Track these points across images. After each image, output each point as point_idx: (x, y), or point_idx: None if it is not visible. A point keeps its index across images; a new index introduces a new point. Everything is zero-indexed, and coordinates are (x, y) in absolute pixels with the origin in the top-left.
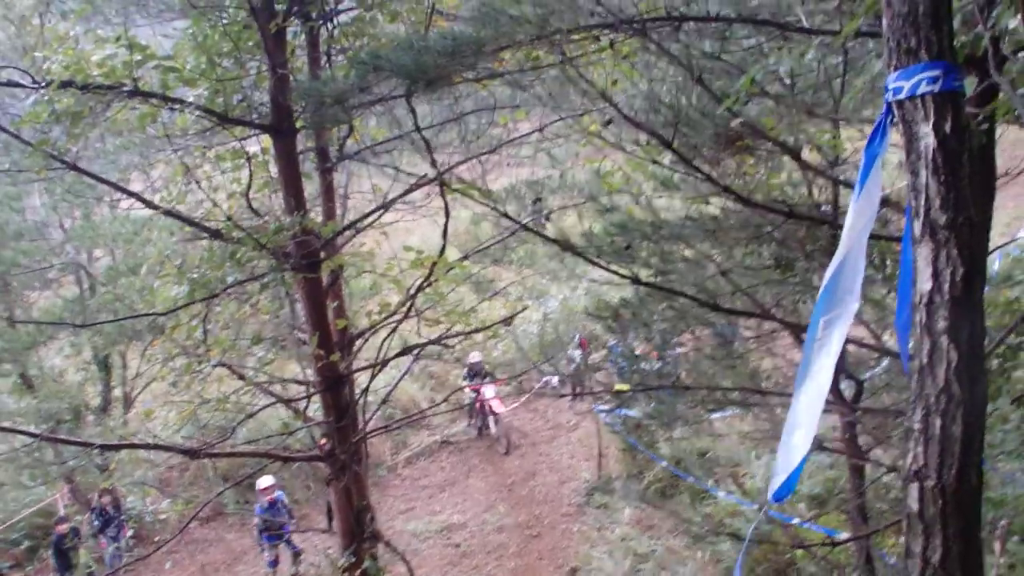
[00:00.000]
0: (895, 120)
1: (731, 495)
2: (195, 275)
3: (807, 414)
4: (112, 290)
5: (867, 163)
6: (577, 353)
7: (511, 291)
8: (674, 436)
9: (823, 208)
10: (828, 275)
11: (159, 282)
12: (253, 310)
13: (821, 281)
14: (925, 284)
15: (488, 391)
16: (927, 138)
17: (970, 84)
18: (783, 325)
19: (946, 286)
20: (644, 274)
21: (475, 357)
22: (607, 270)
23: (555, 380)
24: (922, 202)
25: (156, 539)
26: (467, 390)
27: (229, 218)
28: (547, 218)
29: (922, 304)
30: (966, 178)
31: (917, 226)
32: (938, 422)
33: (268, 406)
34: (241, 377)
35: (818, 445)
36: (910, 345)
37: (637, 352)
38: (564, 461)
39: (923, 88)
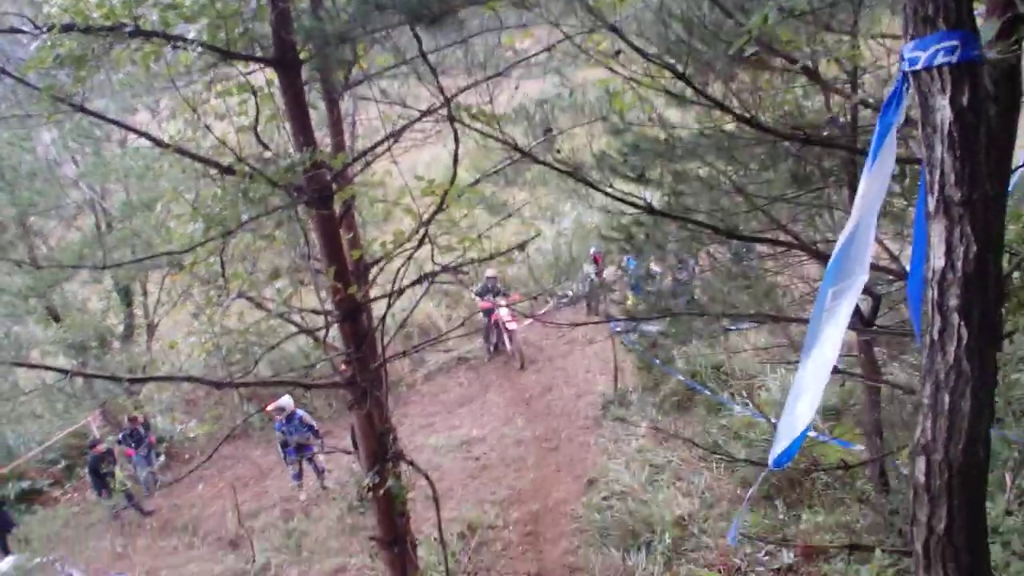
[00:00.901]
0: (910, 89)
1: (746, 407)
2: (209, 211)
3: (813, 382)
4: (128, 225)
5: (881, 132)
6: (592, 269)
7: (525, 212)
8: (689, 351)
9: (840, 120)
10: (838, 246)
11: (174, 221)
12: (269, 243)
13: (838, 198)
14: (938, 261)
15: (502, 309)
16: (943, 111)
17: (992, 27)
18: (799, 243)
19: (959, 264)
20: (657, 196)
21: (490, 273)
22: (618, 199)
23: (569, 295)
24: (936, 177)
25: (187, 457)
26: (481, 307)
27: (239, 158)
28: (558, 151)
29: (934, 281)
30: (982, 152)
31: (931, 202)
32: (947, 398)
33: (289, 337)
34: (262, 307)
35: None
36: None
37: (653, 268)
38: (580, 375)
39: (940, 59)
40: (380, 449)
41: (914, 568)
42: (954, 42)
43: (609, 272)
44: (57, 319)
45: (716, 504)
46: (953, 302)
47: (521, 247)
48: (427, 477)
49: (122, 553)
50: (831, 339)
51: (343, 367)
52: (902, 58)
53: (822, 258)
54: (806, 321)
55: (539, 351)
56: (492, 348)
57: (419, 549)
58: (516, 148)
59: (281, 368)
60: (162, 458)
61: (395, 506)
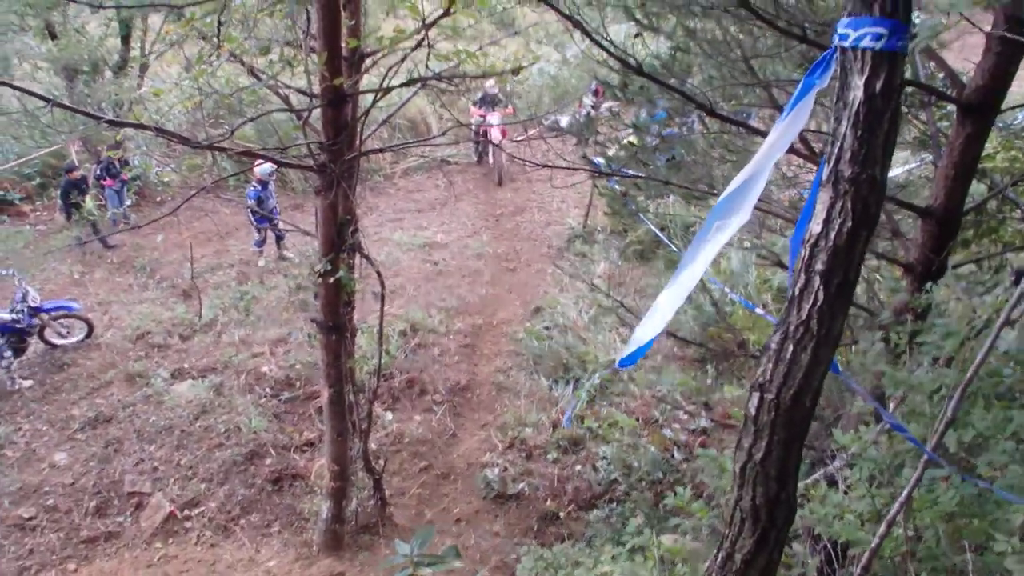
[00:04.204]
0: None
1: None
2: None
3: (671, 302)
4: None
5: (803, 90)
6: (590, 101)
7: (532, 32)
8: (662, 206)
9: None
10: (733, 185)
11: None
12: (269, 13)
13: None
14: (816, 227)
15: (493, 119)
16: (857, 91)
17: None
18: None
19: (832, 234)
20: (663, 47)
21: (490, 85)
22: (610, 53)
23: (563, 121)
24: (835, 150)
25: (158, 200)
26: (474, 115)
27: None
28: None
29: (809, 243)
30: (882, 137)
31: (825, 171)
32: (791, 348)
33: (273, 111)
34: (252, 72)
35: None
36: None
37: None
38: (555, 204)
39: (866, 43)
40: (338, 239)
41: (731, 486)
42: (883, 29)
43: (606, 107)
44: (54, 36)
45: (651, 356)
46: (819, 266)
47: (515, 71)
48: (379, 274)
49: (79, 280)
50: (700, 264)
51: (317, 152)
52: (834, 30)
53: (800, 154)
54: (773, 212)
55: (521, 171)
56: (479, 158)
57: (360, 338)
58: None
59: (260, 140)
60: (134, 197)
61: (341, 295)
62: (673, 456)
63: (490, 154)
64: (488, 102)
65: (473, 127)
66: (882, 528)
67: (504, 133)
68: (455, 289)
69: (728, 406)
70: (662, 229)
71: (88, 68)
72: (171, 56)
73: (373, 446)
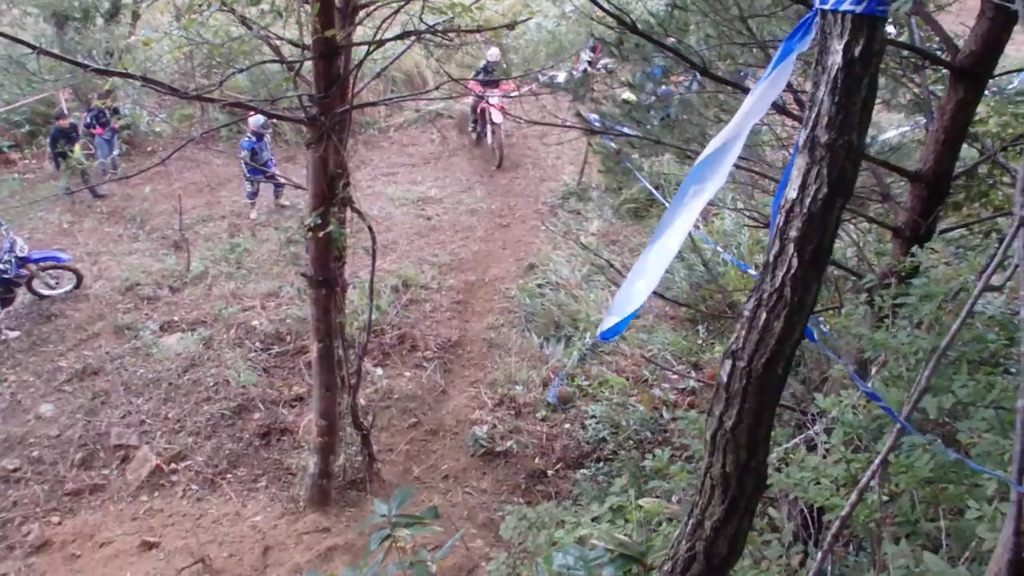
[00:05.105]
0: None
1: (698, 231)
2: None
3: (654, 267)
4: None
5: (782, 54)
6: (587, 57)
7: None
8: (656, 163)
9: None
10: (709, 149)
11: None
12: None
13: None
14: (791, 192)
15: (493, 99)
16: (835, 56)
17: None
18: (788, 90)
19: (808, 200)
20: (659, 4)
21: (493, 55)
22: (606, 11)
23: (560, 77)
24: (812, 115)
25: (149, 149)
26: (471, 90)
27: None
28: None
29: (784, 209)
30: (859, 103)
31: (802, 136)
32: (764, 315)
33: (264, 63)
34: (243, 22)
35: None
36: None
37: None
38: (550, 160)
39: (846, 5)
40: (329, 192)
41: (704, 453)
42: None
43: (602, 64)
44: None
45: (643, 316)
46: (793, 233)
47: (512, 26)
48: (370, 228)
49: (67, 230)
50: (680, 230)
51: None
52: None
53: (793, 116)
54: (766, 175)
55: (515, 127)
56: (477, 137)
57: (352, 293)
58: None
59: (254, 91)
60: (123, 146)
61: (332, 250)
62: (662, 416)
63: (489, 134)
64: (489, 71)
65: (471, 103)
66: (853, 496)
67: (505, 112)
68: (448, 245)
69: (717, 366)
70: (657, 187)
71: (79, 15)
72: (163, 5)
73: (362, 402)
